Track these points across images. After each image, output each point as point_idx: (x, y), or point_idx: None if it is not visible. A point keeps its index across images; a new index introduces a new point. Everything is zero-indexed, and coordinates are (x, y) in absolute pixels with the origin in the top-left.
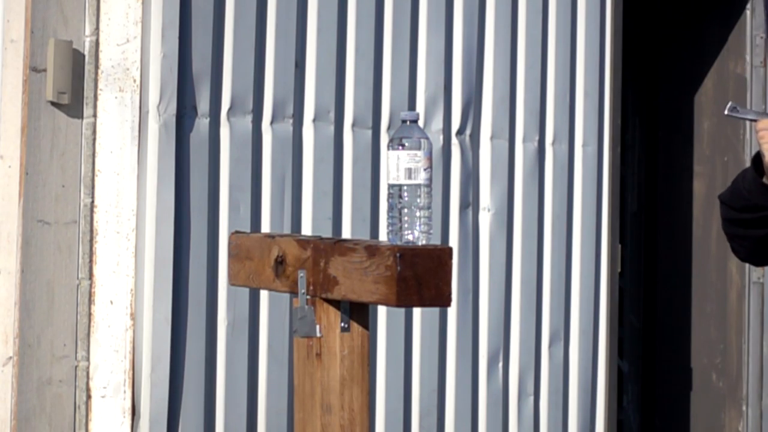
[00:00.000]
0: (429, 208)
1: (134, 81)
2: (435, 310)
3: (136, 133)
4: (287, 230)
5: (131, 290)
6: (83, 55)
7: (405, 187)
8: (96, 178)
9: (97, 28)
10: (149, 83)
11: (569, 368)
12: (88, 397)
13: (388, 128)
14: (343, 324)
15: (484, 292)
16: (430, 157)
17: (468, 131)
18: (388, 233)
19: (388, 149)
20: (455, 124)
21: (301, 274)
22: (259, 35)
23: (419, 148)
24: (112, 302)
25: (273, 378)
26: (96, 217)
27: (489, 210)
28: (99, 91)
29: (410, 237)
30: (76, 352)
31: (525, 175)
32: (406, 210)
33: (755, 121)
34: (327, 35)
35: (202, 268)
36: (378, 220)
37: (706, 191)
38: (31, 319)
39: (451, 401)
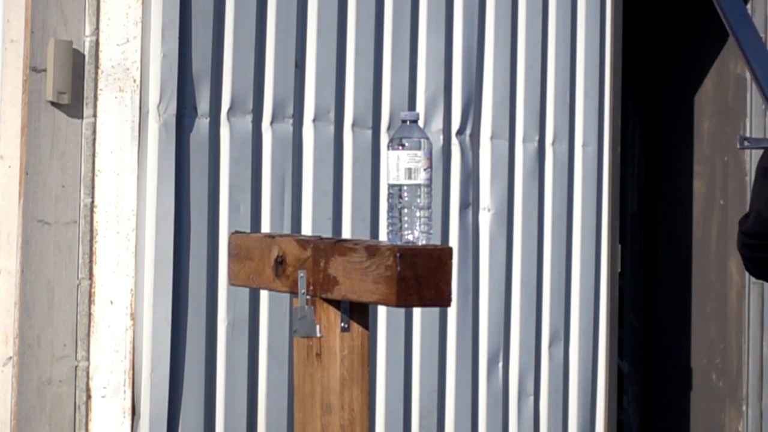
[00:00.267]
0: (429, 208)
1: (134, 81)
2: (435, 310)
3: (136, 133)
4: (287, 230)
5: (131, 290)
6: (83, 55)
7: (405, 187)
8: (96, 178)
9: (97, 28)
10: (149, 83)
11: (569, 368)
12: (88, 397)
13: (388, 128)
14: (343, 324)
15: (484, 292)
16: (430, 157)
17: (468, 131)
18: (388, 233)
19: (388, 149)
20: (455, 124)
21: (301, 274)
22: (259, 35)
23: (419, 148)
24: (112, 302)
25: (273, 378)
26: (96, 217)
27: (489, 210)
28: (99, 91)
29: (410, 237)
30: (76, 352)
31: (525, 175)
32: (406, 210)
33: None
34: (327, 35)
35: (202, 268)
36: (378, 220)
37: (706, 191)
38: (31, 319)
39: (451, 401)
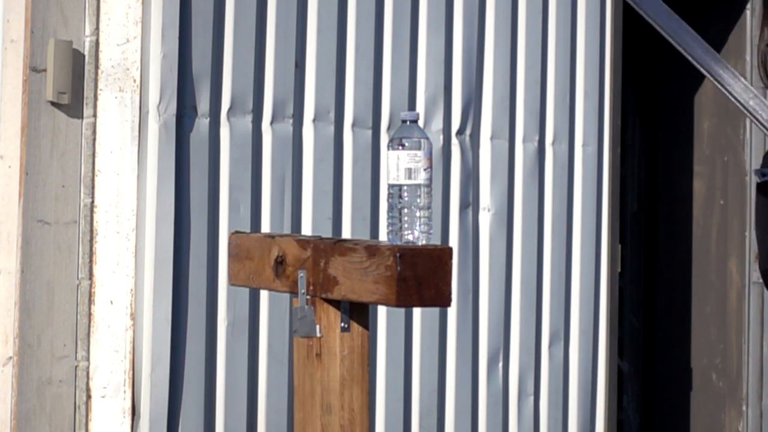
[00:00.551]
0: (429, 208)
1: (134, 81)
2: (435, 310)
3: (136, 133)
4: (287, 230)
5: (131, 290)
6: (83, 55)
7: (405, 187)
8: (96, 178)
9: (97, 28)
10: (149, 83)
11: (569, 368)
12: (88, 397)
13: (388, 128)
14: (343, 324)
15: (484, 292)
16: (430, 157)
17: (468, 131)
18: (388, 233)
19: (388, 149)
20: (455, 124)
21: (301, 274)
22: (259, 35)
23: (419, 148)
24: (112, 302)
25: (273, 378)
26: (96, 217)
27: (489, 210)
28: (99, 91)
29: (410, 237)
30: (76, 352)
31: (525, 175)
32: (406, 210)
33: None
34: (327, 35)
35: (202, 268)
36: (378, 220)
37: (706, 191)
38: (31, 319)
39: (451, 401)
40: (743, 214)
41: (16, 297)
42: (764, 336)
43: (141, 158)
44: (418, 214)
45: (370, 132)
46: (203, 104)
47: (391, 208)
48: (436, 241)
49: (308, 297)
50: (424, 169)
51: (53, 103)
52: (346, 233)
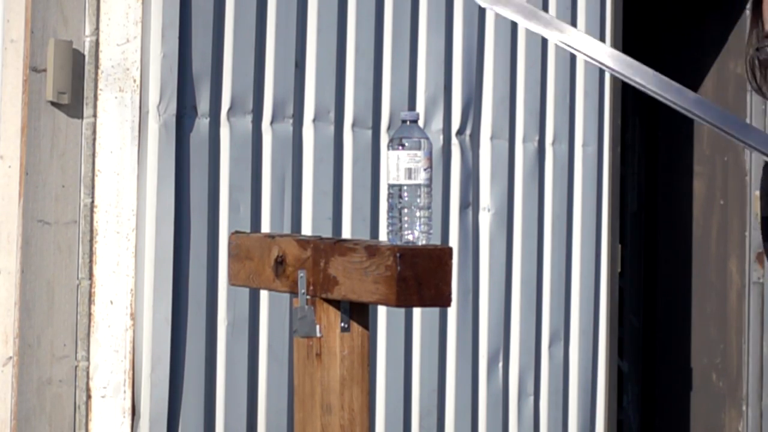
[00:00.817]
0: (429, 208)
1: (134, 81)
2: (435, 310)
3: (136, 133)
4: (287, 230)
5: (131, 290)
6: (83, 55)
7: (405, 187)
8: (96, 178)
9: (97, 28)
10: (149, 83)
11: (569, 368)
12: (88, 397)
13: (388, 128)
14: (343, 324)
15: (484, 292)
16: (430, 157)
17: (468, 131)
18: (388, 233)
19: (388, 149)
20: (455, 124)
21: (301, 274)
22: (259, 35)
23: (419, 148)
24: (112, 302)
25: (273, 378)
26: (96, 217)
27: (489, 210)
28: (99, 91)
29: (410, 237)
30: (76, 352)
31: (525, 175)
32: (406, 210)
33: None
34: (327, 35)
35: (202, 268)
36: (378, 220)
37: (706, 191)
38: (31, 319)
39: (451, 401)
40: (743, 214)
41: (16, 297)
42: (764, 336)
43: (141, 158)
44: (418, 214)
45: (370, 132)
46: (203, 104)
47: (391, 208)
48: (436, 241)
49: (308, 297)
50: (424, 169)
51: (53, 103)
52: (346, 233)
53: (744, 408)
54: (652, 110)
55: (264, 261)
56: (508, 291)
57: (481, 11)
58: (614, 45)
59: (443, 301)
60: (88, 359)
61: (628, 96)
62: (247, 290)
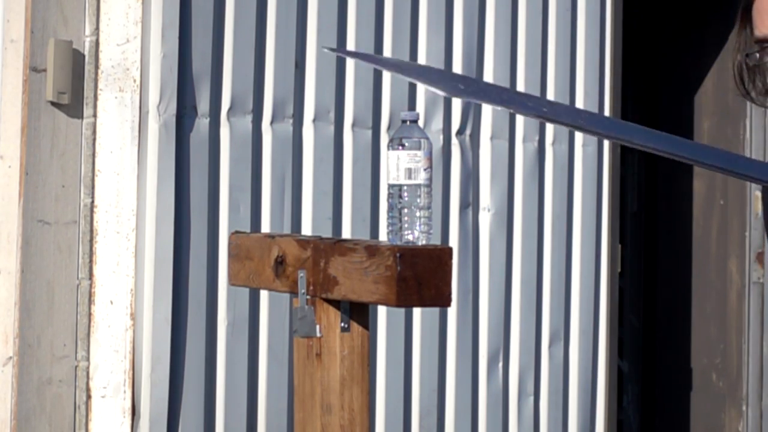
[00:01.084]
0: (429, 208)
1: (134, 81)
2: (435, 310)
3: (136, 133)
4: (287, 230)
5: (131, 290)
6: (83, 55)
7: (405, 187)
8: (96, 178)
9: (97, 28)
10: (149, 83)
11: (569, 368)
12: (88, 397)
13: (388, 128)
14: (343, 324)
15: (484, 292)
16: (430, 157)
17: (468, 131)
18: (388, 233)
19: (388, 149)
20: (455, 124)
21: (301, 274)
22: (259, 35)
23: (419, 148)
24: (112, 302)
25: (273, 378)
26: (96, 217)
27: (489, 210)
28: (99, 91)
29: (410, 237)
30: (76, 352)
31: (525, 175)
32: (406, 210)
33: None
34: (327, 35)
35: (202, 268)
36: (378, 220)
37: (706, 191)
38: (31, 319)
39: (451, 401)
40: (743, 214)
41: (16, 297)
42: (764, 336)
43: (141, 158)
44: (418, 214)
45: (370, 132)
46: (203, 104)
47: (391, 208)
48: (436, 241)
49: (308, 297)
50: (424, 169)
51: (53, 103)
52: (346, 233)
53: (744, 408)
54: (652, 110)
55: (264, 261)
56: (508, 291)
57: (481, 11)
58: (614, 45)
59: (443, 301)
60: (88, 359)
61: (628, 96)
62: (247, 290)
